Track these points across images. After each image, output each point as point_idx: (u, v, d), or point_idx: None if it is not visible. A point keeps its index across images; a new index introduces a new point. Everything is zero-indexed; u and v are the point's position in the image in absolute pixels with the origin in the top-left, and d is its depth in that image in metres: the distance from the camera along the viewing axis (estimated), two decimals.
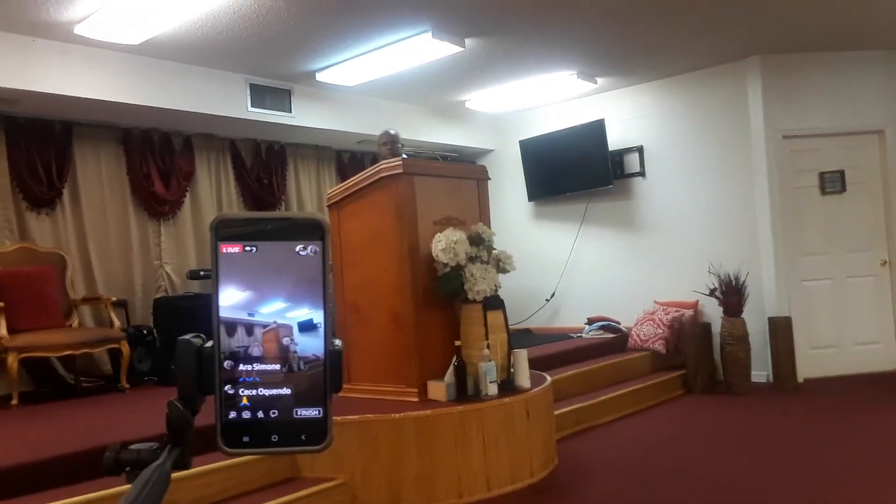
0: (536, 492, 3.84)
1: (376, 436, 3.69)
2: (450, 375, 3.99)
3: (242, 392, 0.65)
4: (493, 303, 4.14)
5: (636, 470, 4.08)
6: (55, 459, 3.26)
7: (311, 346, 0.65)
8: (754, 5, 5.11)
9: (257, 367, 0.65)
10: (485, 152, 8.36)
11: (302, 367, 0.65)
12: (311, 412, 0.65)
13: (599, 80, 6.89)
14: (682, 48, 6.05)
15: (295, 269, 0.64)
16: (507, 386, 4.12)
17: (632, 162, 7.25)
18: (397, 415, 3.72)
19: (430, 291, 4.11)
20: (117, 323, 5.39)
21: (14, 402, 4.63)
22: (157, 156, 6.17)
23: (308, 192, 7.39)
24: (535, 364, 4.52)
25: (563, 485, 3.94)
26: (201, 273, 6.07)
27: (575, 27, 5.32)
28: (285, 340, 0.64)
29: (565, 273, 7.75)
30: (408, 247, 4.06)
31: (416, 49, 5.34)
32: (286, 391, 0.65)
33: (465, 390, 4.00)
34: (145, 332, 5.68)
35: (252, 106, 5.91)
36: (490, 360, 4.00)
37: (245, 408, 0.65)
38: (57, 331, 5.05)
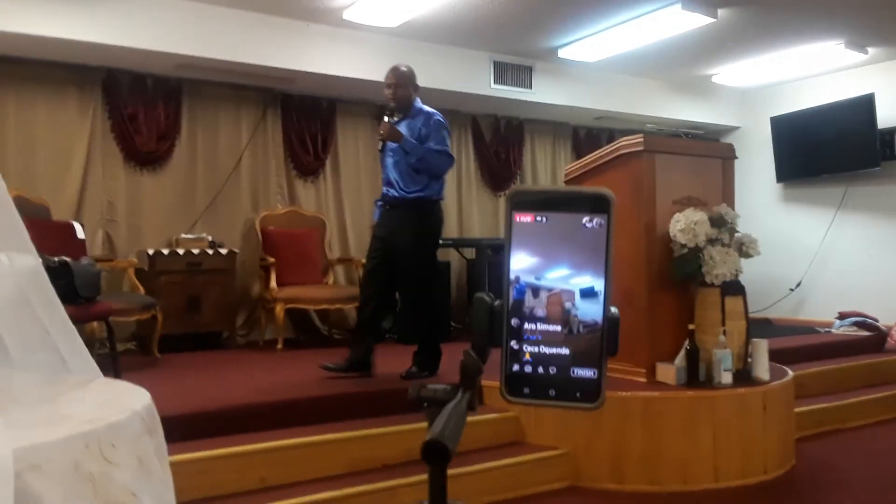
0: (769, 490, 3.63)
1: (602, 412, 3.69)
2: (681, 359, 3.89)
3: (526, 348, 0.72)
4: (733, 288, 3.95)
5: (885, 483, 3.70)
6: (320, 398, 3.69)
7: (590, 311, 0.71)
8: None
9: (541, 326, 0.72)
10: (729, 129, 7.88)
11: (581, 330, 0.71)
12: (587, 372, 0.71)
13: (871, 50, 6.18)
14: None
15: (580, 240, 0.70)
16: (743, 376, 3.93)
17: None
18: (624, 393, 3.71)
19: (664, 272, 4.01)
20: None
21: (279, 346, 5.30)
22: None
23: (543, 169, 7.49)
24: (774, 356, 4.24)
25: (799, 487, 3.69)
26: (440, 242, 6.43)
27: None
28: (567, 304, 0.71)
29: (815, 262, 7.12)
30: (644, 225, 3.98)
31: (664, 21, 5.16)
32: (565, 351, 0.71)
33: (697, 376, 3.87)
34: None
35: (495, 83, 6.10)
36: (726, 348, 3.83)
37: (527, 362, 0.72)
38: (316, 286, 5.66)
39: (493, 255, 6.11)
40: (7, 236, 1.47)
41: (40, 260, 1.58)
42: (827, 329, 6.40)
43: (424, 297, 4.25)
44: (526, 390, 0.72)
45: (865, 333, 6.11)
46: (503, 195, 7.25)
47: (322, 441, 3.32)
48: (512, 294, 0.72)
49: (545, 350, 0.72)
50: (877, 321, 6.23)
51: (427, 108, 4.21)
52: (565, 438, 3.76)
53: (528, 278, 0.72)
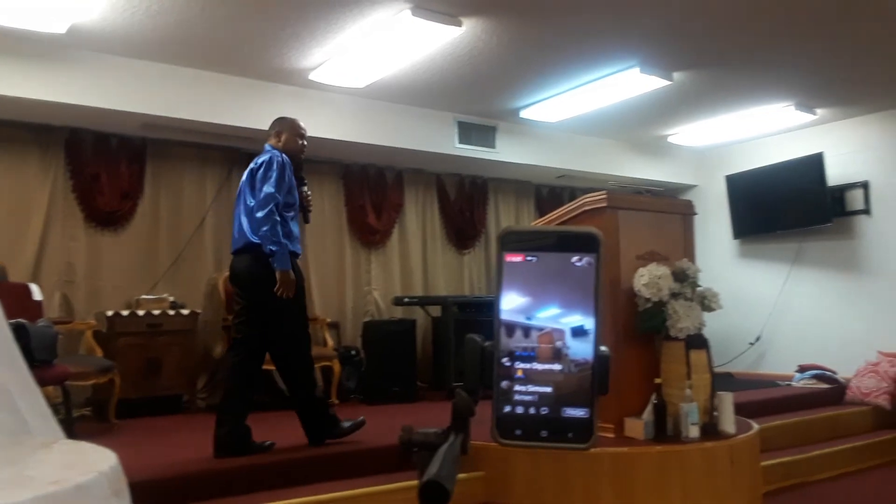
0: None
1: (570, 468, 3.68)
2: (648, 413, 3.90)
3: (517, 388, 0.72)
4: (697, 342, 4.00)
5: None
6: (289, 462, 3.59)
7: (581, 350, 0.71)
8: None
9: (532, 366, 0.72)
10: (686, 188, 8.11)
11: (572, 369, 0.71)
12: (579, 412, 0.71)
13: (819, 111, 6.47)
14: None
15: (570, 279, 0.71)
16: (710, 430, 3.94)
17: (854, 198, 6.69)
18: (593, 449, 3.68)
19: (629, 327, 4.05)
20: (330, 342, 5.83)
21: None
22: (371, 189, 6.66)
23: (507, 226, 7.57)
24: (737, 410, 4.27)
25: None
26: (405, 300, 6.41)
27: (796, 57, 5.06)
28: (558, 344, 0.71)
29: (772, 316, 7.26)
30: (609, 280, 4.03)
31: (622, 84, 5.35)
32: (556, 390, 0.72)
33: (665, 430, 3.88)
34: (353, 352, 6.08)
35: (459, 142, 6.21)
36: (692, 401, 3.86)
37: (518, 402, 0.72)
38: None
39: (459, 311, 6.10)
40: None
41: (6, 322, 1.54)
42: (787, 382, 6.48)
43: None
44: (518, 432, 0.72)
45: (825, 386, 6.19)
46: (468, 253, 7.30)
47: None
48: (502, 334, 0.72)
49: (536, 389, 0.72)
50: (835, 373, 6.34)
51: None
52: (535, 497, 3.71)
53: (518, 318, 0.72)
